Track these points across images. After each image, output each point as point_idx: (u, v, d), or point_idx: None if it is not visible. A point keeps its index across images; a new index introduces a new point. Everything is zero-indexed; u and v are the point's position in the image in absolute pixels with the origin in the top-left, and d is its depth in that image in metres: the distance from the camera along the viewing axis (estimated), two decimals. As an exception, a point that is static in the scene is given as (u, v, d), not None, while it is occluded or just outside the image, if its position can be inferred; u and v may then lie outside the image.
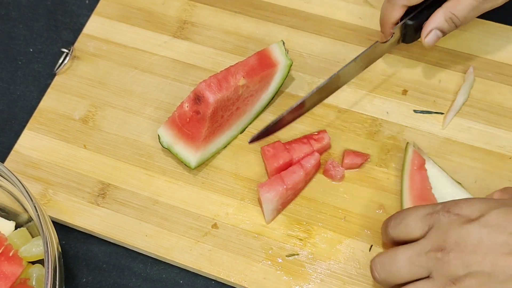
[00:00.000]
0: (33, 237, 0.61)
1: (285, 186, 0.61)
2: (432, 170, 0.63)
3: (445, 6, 0.61)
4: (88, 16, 0.76)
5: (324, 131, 0.66)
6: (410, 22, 0.63)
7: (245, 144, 0.67)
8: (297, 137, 0.66)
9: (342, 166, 0.65)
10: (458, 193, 0.62)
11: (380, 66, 0.70)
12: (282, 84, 0.69)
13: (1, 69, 0.76)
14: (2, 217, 0.61)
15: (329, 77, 0.61)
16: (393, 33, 0.63)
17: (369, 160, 0.65)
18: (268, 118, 0.68)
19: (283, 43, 0.67)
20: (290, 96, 0.70)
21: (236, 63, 0.65)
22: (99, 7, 0.76)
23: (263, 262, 0.61)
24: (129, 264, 0.64)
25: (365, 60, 0.63)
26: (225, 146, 0.67)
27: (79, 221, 0.64)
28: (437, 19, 0.61)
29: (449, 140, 0.66)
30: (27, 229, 0.61)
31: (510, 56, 0.70)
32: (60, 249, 0.59)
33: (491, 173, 0.64)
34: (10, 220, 0.61)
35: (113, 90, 0.71)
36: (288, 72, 0.68)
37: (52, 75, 0.73)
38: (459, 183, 0.63)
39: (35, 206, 0.54)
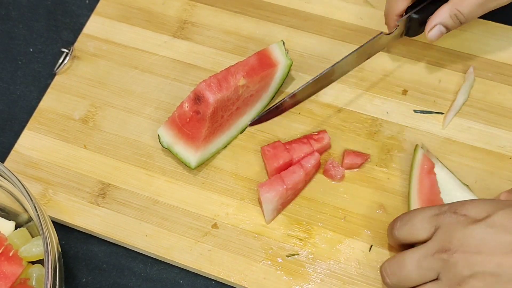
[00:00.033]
0: (33, 237, 0.61)
1: (285, 186, 0.61)
2: (440, 173, 0.62)
3: (451, 2, 0.61)
4: (88, 16, 0.76)
5: (324, 131, 0.66)
6: (415, 16, 0.63)
7: (245, 144, 0.67)
8: (297, 137, 0.66)
9: (342, 166, 0.65)
10: (466, 197, 0.61)
11: (380, 66, 0.71)
12: (282, 84, 0.69)
13: (1, 69, 0.76)
14: (2, 217, 0.61)
15: (332, 65, 0.61)
16: (398, 25, 0.63)
17: (369, 160, 0.65)
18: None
19: (283, 43, 0.67)
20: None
21: (236, 63, 0.65)
22: (99, 7, 0.76)
23: (263, 262, 0.61)
24: (129, 264, 0.64)
25: (368, 51, 0.63)
26: (225, 146, 0.67)
27: (79, 221, 0.64)
28: (442, 14, 0.61)
29: (449, 140, 0.66)
30: (27, 229, 0.61)
31: (510, 56, 0.70)
32: (60, 249, 0.59)
33: (491, 173, 0.64)
34: (10, 220, 0.61)
35: (113, 90, 0.71)
36: (288, 72, 0.68)
37: (52, 75, 0.73)
38: (467, 185, 0.62)
39: (35, 206, 0.54)
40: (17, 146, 0.68)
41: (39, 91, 0.73)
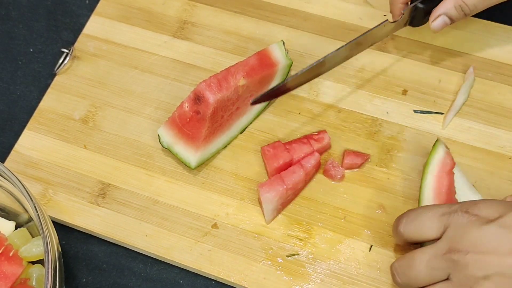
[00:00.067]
0: (33, 237, 0.61)
1: (285, 186, 0.61)
2: (457, 174, 0.61)
3: None
4: (88, 16, 0.76)
5: (324, 131, 0.66)
6: (420, 5, 0.63)
7: (245, 144, 0.67)
8: (297, 137, 0.66)
9: (342, 166, 0.65)
10: (476, 198, 0.60)
11: (380, 66, 0.71)
12: (282, 84, 0.69)
13: (1, 69, 0.76)
14: (2, 217, 0.61)
15: (337, 48, 0.60)
16: (403, 14, 0.63)
17: (369, 160, 0.65)
18: (268, 118, 0.68)
19: (283, 43, 0.67)
20: (290, 96, 0.69)
21: (236, 63, 0.65)
22: (99, 7, 0.76)
23: (263, 262, 0.61)
24: (129, 264, 0.64)
25: (372, 37, 0.63)
26: (225, 146, 0.67)
27: (79, 221, 0.64)
28: (447, 5, 0.61)
29: (449, 140, 0.66)
30: (27, 229, 0.61)
31: (510, 56, 0.70)
32: (60, 249, 0.59)
33: (491, 173, 0.64)
34: (10, 220, 0.61)
35: (113, 90, 0.71)
36: (288, 72, 0.68)
37: (52, 75, 0.73)
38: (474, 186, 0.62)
39: (35, 206, 0.54)
40: (17, 146, 0.68)
41: (39, 91, 0.73)
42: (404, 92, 0.69)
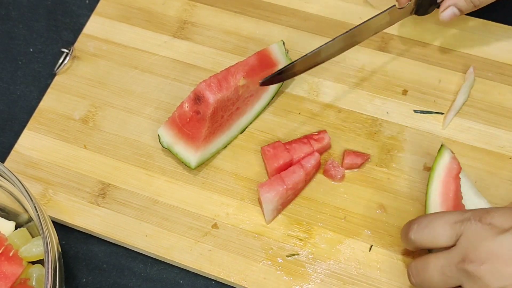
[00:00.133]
0: (33, 237, 0.61)
1: (285, 186, 0.61)
2: (463, 179, 0.60)
3: None
4: (88, 16, 0.76)
5: (324, 131, 0.66)
6: None
7: (245, 144, 0.67)
8: (297, 137, 0.66)
9: (342, 166, 0.64)
10: (482, 204, 0.60)
11: (380, 66, 0.71)
12: (282, 84, 0.69)
13: (1, 69, 0.76)
14: (2, 217, 0.61)
15: (345, 31, 0.60)
16: (410, 1, 0.63)
17: (369, 160, 0.65)
18: (268, 118, 0.68)
19: (283, 43, 0.67)
20: (290, 96, 0.70)
21: (236, 63, 0.65)
22: (99, 7, 0.76)
23: (263, 262, 0.61)
24: (129, 264, 0.64)
25: (377, 24, 0.62)
26: (225, 146, 0.67)
27: (79, 221, 0.64)
28: None
29: (449, 140, 0.66)
30: (27, 229, 0.61)
31: (510, 56, 0.70)
32: (60, 249, 0.59)
33: (491, 173, 0.64)
34: (10, 220, 0.61)
35: (113, 90, 0.71)
36: (288, 72, 0.68)
37: (52, 75, 0.73)
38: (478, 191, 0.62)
39: (35, 206, 0.54)
40: (17, 146, 0.68)
41: (39, 91, 0.73)
42: (404, 92, 0.69)
